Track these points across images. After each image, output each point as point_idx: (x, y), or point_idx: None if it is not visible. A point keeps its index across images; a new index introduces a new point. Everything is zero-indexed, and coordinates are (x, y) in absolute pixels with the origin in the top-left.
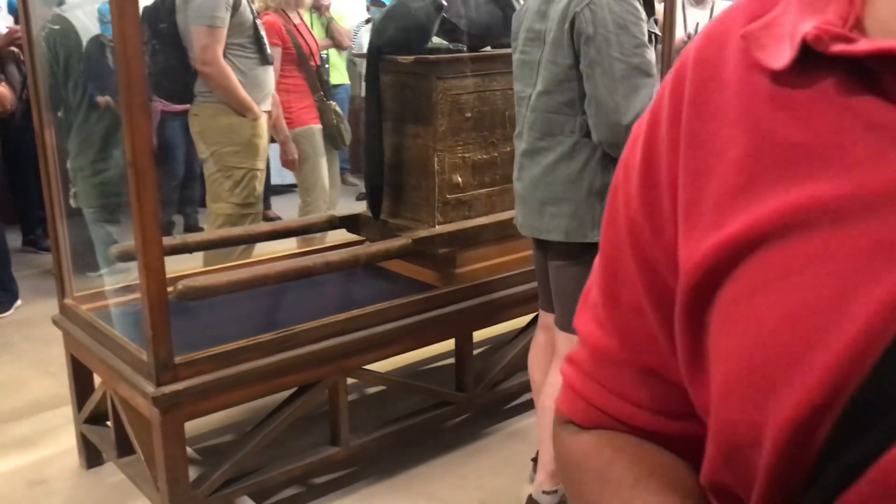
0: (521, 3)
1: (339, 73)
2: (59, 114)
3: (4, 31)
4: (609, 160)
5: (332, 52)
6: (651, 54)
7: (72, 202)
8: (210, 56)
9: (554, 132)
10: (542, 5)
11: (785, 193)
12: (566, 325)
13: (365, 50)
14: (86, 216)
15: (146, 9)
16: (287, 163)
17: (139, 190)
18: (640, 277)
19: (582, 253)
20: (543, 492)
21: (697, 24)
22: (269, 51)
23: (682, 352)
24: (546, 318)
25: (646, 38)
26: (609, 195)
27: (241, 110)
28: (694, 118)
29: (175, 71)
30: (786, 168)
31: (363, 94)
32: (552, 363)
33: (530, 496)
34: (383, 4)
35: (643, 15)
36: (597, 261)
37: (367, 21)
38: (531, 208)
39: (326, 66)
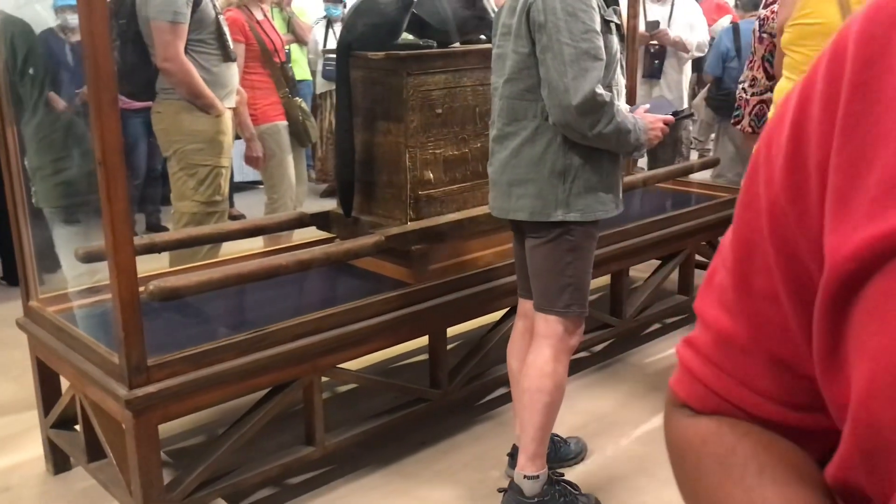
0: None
1: (301, 70)
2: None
3: None
4: (570, 142)
5: (294, 47)
6: (601, 40)
7: (33, 201)
8: (171, 52)
9: (518, 117)
10: (513, 1)
11: None
12: (543, 304)
13: (320, 48)
14: (46, 216)
15: (108, 3)
16: (252, 160)
17: (109, 189)
18: (779, 264)
19: (550, 231)
20: (525, 476)
21: (658, 21)
22: (231, 47)
23: (819, 345)
24: (524, 305)
25: (596, 26)
26: (747, 175)
27: (205, 107)
28: (855, 99)
29: (136, 67)
30: None
31: (316, 91)
32: (532, 345)
33: (511, 481)
34: (339, 1)
35: (593, 3)
36: (726, 242)
37: (324, 18)
38: (500, 191)
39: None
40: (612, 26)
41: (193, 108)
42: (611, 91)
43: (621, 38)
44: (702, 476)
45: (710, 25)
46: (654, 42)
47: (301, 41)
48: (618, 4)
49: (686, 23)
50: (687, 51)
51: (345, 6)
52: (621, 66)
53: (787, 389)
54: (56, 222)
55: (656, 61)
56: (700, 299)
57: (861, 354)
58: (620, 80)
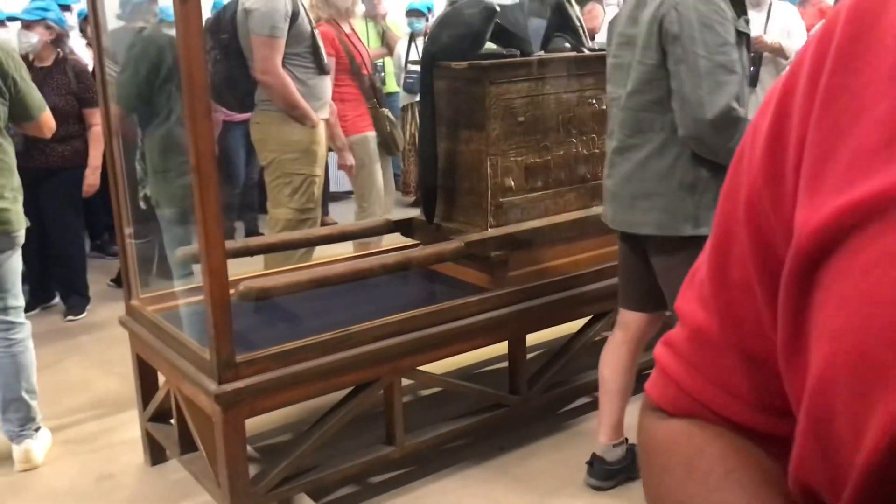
0: (604, 10)
1: (393, 81)
2: (136, 116)
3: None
4: (699, 155)
5: (388, 60)
6: (737, 53)
7: (141, 204)
8: (270, 66)
9: (644, 129)
10: (634, 11)
11: None
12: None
13: (402, 62)
14: (165, 219)
15: (208, 20)
16: (344, 169)
17: (203, 194)
18: (752, 251)
19: (682, 248)
20: (613, 445)
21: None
22: (326, 60)
23: (783, 331)
24: (625, 316)
25: (731, 38)
26: (731, 165)
27: (300, 118)
28: (837, 72)
29: (236, 81)
30: None
31: (399, 104)
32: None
33: (594, 454)
34: (422, 14)
35: (728, 15)
36: (709, 237)
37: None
38: (622, 204)
39: (381, 74)
40: (744, 38)
41: (289, 119)
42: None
43: (748, 49)
44: (666, 476)
45: (810, 31)
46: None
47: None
48: (747, 14)
49: (783, 28)
50: (786, 57)
51: (427, 20)
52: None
53: (760, 389)
54: (174, 224)
55: (752, 68)
56: (681, 296)
57: (819, 337)
58: (747, 94)
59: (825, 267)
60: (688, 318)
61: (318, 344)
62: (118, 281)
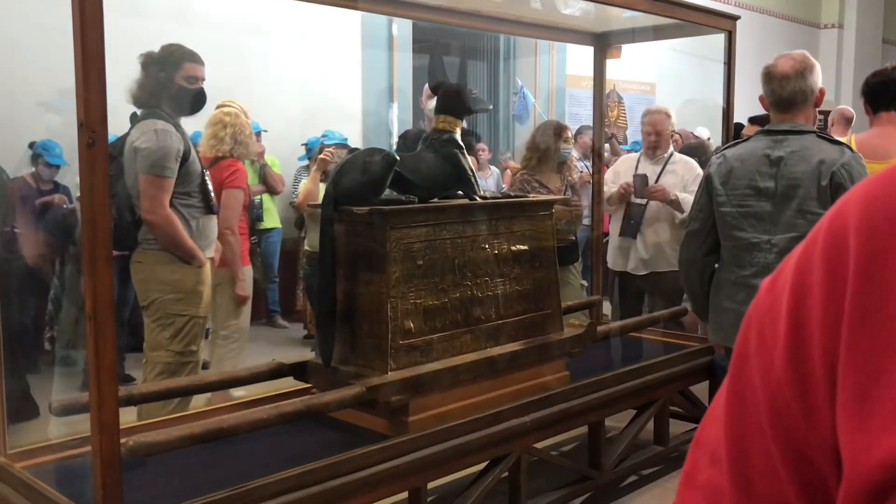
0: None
1: (271, 217)
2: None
3: None
4: None
5: (266, 197)
6: None
7: (46, 346)
8: (157, 205)
9: None
10: (767, 168)
11: None
12: None
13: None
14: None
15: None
16: (241, 298)
17: (98, 343)
18: (786, 466)
19: None
20: None
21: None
22: (213, 199)
23: None
24: None
25: None
26: (733, 366)
27: (186, 258)
28: (864, 292)
29: (119, 218)
30: None
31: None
32: None
33: None
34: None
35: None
36: (712, 435)
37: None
38: None
39: (259, 210)
40: None
41: (174, 258)
42: None
43: None
44: None
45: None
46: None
47: (272, 191)
48: None
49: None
50: (682, 210)
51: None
52: None
53: None
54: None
55: (632, 221)
56: (682, 500)
57: None
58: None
59: (893, 499)
60: None
61: (213, 503)
62: None
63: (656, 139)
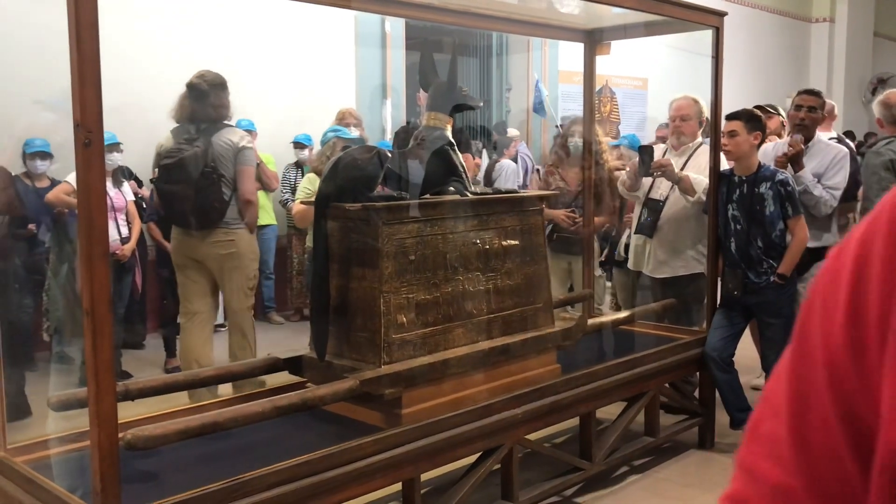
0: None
1: (266, 214)
2: None
3: None
4: None
5: (261, 193)
6: None
7: (45, 336)
8: (255, 189)
9: None
10: None
11: None
12: None
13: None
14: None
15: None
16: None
17: (95, 338)
18: (840, 422)
19: None
20: None
21: None
22: None
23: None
24: None
25: None
26: (798, 327)
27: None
28: None
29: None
30: None
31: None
32: None
33: None
34: (304, 146)
35: None
36: (775, 390)
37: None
38: None
39: None
40: None
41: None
42: None
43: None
44: None
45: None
46: None
47: (267, 188)
48: None
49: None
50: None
51: (311, 151)
52: None
53: None
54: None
55: (648, 218)
56: (746, 450)
57: None
58: None
59: None
60: (762, 475)
61: (209, 495)
62: None
63: (681, 125)
